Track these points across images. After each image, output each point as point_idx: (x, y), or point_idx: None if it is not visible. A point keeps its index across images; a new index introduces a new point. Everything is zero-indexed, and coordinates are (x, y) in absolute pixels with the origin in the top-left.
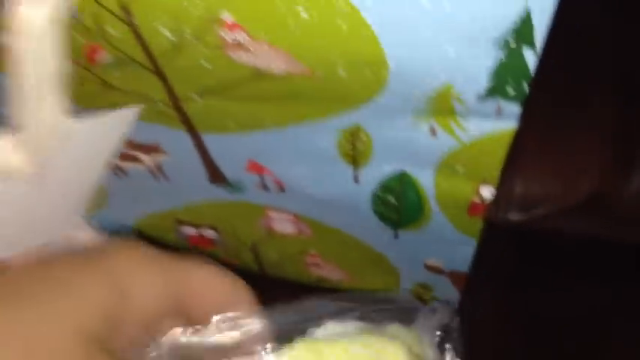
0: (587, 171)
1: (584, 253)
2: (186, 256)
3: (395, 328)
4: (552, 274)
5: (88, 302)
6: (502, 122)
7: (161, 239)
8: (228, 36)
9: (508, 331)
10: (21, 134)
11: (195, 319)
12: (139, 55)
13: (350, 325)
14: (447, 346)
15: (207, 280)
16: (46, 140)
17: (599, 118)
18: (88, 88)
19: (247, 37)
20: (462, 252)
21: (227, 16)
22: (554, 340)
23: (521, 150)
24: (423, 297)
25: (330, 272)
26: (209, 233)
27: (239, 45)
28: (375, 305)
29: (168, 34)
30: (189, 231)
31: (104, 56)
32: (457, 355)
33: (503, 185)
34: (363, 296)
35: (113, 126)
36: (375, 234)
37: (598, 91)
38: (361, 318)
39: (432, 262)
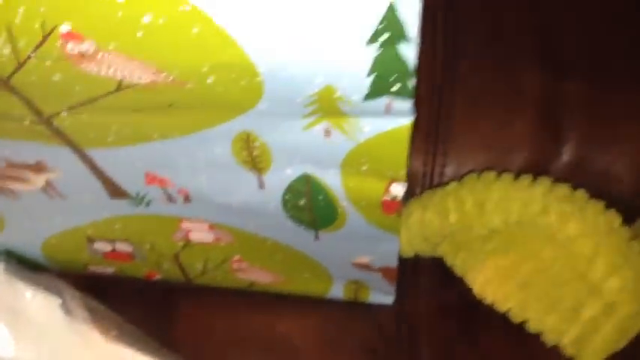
0: (518, 146)
1: None
2: None
3: None
4: None
5: None
6: (394, 119)
7: (74, 260)
8: (72, 48)
9: (446, 320)
10: None
11: None
12: None
13: None
14: None
15: None
16: None
17: (528, 93)
18: None
19: (96, 48)
20: (386, 248)
21: (66, 27)
22: (492, 325)
23: (449, 129)
24: (358, 293)
25: (258, 276)
26: (125, 247)
27: (86, 56)
28: None
29: (5, 50)
30: (103, 247)
31: None
32: None
33: (433, 168)
34: None
35: None
36: (294, 236)
37: (526, 66)
38: None
39: (360, 260)
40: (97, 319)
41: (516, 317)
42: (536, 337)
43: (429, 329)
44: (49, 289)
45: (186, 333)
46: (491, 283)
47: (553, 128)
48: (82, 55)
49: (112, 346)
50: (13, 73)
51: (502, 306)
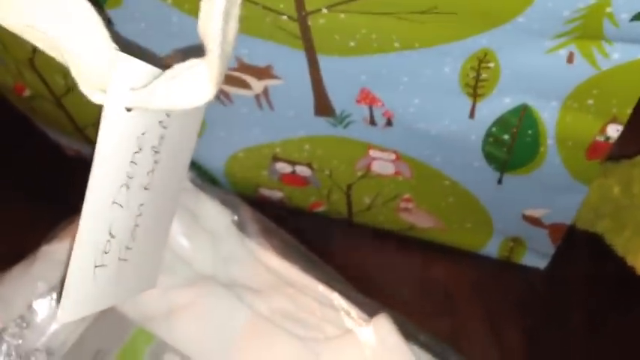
0: None
1: None
2: None
3: None
4: None
5: None
6: None
7: (251, 179)
8: None
9: (599, 290)
10: (210, 60)
11: None
12: None
13: None
14: None
15: None
16: (225, 64)
17: None
18: None
19: None
20: (568, 201)
21: None
22: None
23: None
24: (513, 252)
25: (420, 219)
26: (304, 171)
27: None
28: None
29: None
30: (284, 168)
31: None
32: None
33: None
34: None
35: None
36: (478, 178)
37: None
38: None
39: (532, 212)
40: (267, 236)
41: None
42: None
43: (582, 296)
44: (225, 203)
45: (340, 269)
46: None
47: None
48: None
49: (279, 263)
50: None
51: None
